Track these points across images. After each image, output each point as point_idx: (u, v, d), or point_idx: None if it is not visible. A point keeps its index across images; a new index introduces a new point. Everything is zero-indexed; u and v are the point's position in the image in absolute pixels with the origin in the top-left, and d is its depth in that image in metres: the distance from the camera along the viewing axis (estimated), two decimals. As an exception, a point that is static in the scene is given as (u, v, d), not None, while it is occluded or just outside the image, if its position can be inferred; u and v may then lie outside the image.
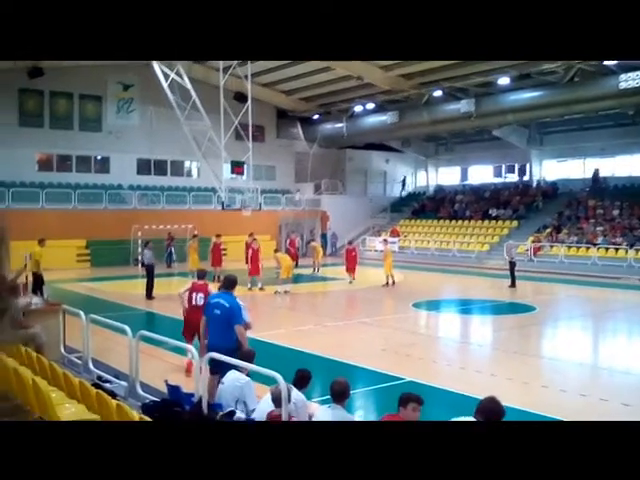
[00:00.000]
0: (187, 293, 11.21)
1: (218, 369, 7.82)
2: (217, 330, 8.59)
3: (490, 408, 4.96)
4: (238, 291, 9.20)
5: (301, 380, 6.80)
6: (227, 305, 8.56)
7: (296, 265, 30.77)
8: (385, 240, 29.95)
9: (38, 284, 18.65)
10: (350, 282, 25.43)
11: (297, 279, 26.78)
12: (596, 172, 36.61)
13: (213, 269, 24.99)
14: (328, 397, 6.50)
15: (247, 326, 8.88)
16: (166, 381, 8.32)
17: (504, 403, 9.33)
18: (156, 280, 21.55)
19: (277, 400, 6.09)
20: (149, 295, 20.93)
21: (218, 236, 26.52)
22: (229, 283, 8.90)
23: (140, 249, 28.47)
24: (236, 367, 7.39)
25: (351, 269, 25.91)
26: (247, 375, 7.44)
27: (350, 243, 28.67)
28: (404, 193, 47.69)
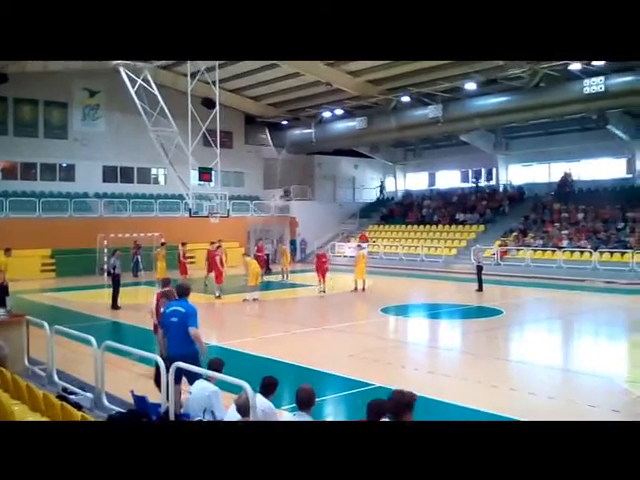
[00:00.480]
0: (155, 305, 10.95)
1: (181, 378, 7.76)
2: (176, 338, 8.58)
3: (398, 400, 5.05)
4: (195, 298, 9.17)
5: (267, 387, 6.73)
6: (183, 310, 8.65)
7: (268, 272, 30.75)
8: (359, 245, 29.99)
9: (2, 295, 18.29)
10: (321, 291, 24.39)
11: (266, 286, 26.67)
12: (566, 175, 37.07)
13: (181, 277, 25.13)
14: (294, 405, 6.48)
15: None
16: (132, 392, 8.21)
17: (473, 406, 9.41)
18: (123, 289, 21.30)
19: (242, 409, 6.02)
20: (114, 305, 20.64)
21: (184, 244, 26.54)
22: (182, 291, 9.02)
23: (106, 258, 28.07)
24: (201, 376, 7.35)
25: (321, 275, 24.78)
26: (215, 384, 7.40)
27: (320, 249, 28.07)
28: (382, 197, 47.72)
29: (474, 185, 42.33)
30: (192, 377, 7.65)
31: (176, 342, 8.52)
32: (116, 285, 20.86)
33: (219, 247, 25.08)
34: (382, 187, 48.36)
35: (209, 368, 7.35)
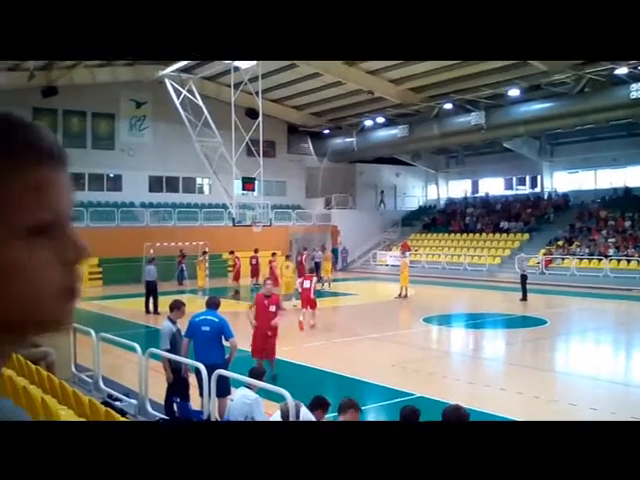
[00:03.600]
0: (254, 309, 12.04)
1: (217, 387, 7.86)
2: (207, 347, 8.75)
3: (453, 416, 5.05)
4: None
5: (317, 405, 6.77)
6: (217, 320, 8.93)
7: (319, 280, 30.97)
8: (403, 252, 29.91)
9: None
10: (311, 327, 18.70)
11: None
12: (626, 188, 36.26)
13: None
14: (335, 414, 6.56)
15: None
16: (175, 399, 8.39)
17: (513, 417, 9.34)
18: (168, 297, 21.64)
19: (286, 417, 6.13)
20: (155, 310, 21.08)
21: (232, 252, 27.05)
22: (214, 303, 9.39)
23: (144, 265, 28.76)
24: (229, 387, 7.49)
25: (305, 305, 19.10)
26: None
27: (312, 272, 22.71)
28: (384, 211, 46.28)
29: (520, 192, 41.76)
30: (221, 388, 7.76)
31: (207, 351, 8.66)
32: (153, 292, 21.27)
33: (274, 254, 26.13)
34: (382, 196, 46.60)
35: (250, 376, 7.47)
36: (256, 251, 28.15)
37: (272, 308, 11.69)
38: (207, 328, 8.80)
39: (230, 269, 27.57)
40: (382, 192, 47.26)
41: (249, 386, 7.44)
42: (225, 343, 8.94)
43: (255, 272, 27.43)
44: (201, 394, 7.89)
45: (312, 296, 18.92)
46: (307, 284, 19.07)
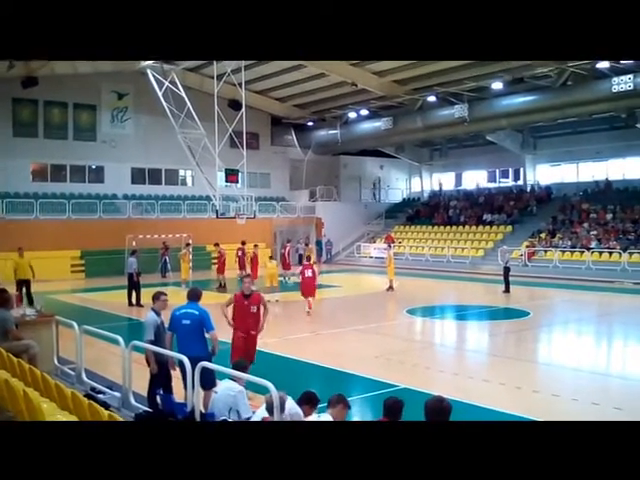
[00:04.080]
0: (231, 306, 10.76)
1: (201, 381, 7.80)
2: (188, 340, 8.63)
3: (435, 408, 5.06)
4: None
5: (306, 402, 6.75)
6: (197, 313, 8.79)
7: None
8: (389, 245, 29.99)
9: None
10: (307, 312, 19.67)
11: (291, 287, 26.81)
12: (607, 181, 36.54)
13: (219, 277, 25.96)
14: (321, 405, 6.56)
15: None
16: (159, 391, 8.34)
17: (496, 408, 9.39)
18: (150, 289, 21.54)
19: (271, 409, 6.12)
20: (137, 302, 21.16)
21: (217, 245, 26.99)
22: (194, 295, 9.17)
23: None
24: (214, 380, 7.46)
25: (307, 294, 19.97)
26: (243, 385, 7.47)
27: (309, 259, 22.10)
28: (377, 200, 47.31)
29: (503, 185, 42.08)
30: (206, 381, 7.69)
31: (188, 344, 8.53)
32: (134, 284, 21.29)
33: (256, 246, 26.06)
34: (374, 188, 47.73)
35: (235, 369, 7.44)
36: (243, 243, 28.16)
37: (253, 309, 10.54)
38: (187, 321, 8.73)
39: (215, 261, 27.42)
40: (374, 184, 47.53)
41: (233, 378, 7.41)
42: (207, 335, 8.87)
43: (242, 264, 27.41)
44: (185, 387, 7.84)
45: (315, 283, 19.98)
46: (309, 273, 19.74)
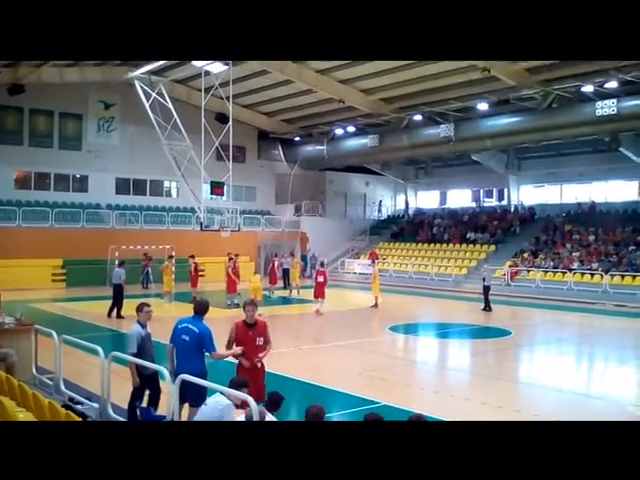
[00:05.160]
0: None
1: (187, 397, 7.69)
2: (185, 357, 8.32)
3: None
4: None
5: (273, 403, 6.77)
6: (197, 331, 8.32)
7: (288, 286, 30.82)
8: (373, 262, 30.05)
9: None
10: (317, 312, 23.30)
11: (275, 302, 26.79)
12: (592, 204, 36.90)
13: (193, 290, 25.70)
14: (300, 421, 6.51)
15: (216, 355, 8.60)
16: (137, 403, 8.25)
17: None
18: (131, 301, 21.37)
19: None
20: (118, 314, 20.86)
21: (192, 257, 26.74)
22: (200, 308, 8.66)
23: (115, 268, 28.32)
24: (204, 398, 7.35)
25: (317, 296, 23.79)
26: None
27: (322, 265, 27.24)
28: (380, 216, 48.00)
29: (487, 204, 42.51)
30: (194, 397, 7.57)
31: (185, 361, 8.27)
32: (120, 296, 20.99)
33: (231, 259, 25.64)
34: (380, 205, 48.42)
35: (231, 386, 7.30)
36: (236, 255, 28.07)
37: (259, 340, 8.87)
38: (187, 337, 8.32)
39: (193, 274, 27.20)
40: (380, 201, 47.93)
41: (223, 392, 7.33)
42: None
43: (236, 275, 27.14)
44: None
45: (324, 289, 23.62)
46: (320, 279, 23.77)
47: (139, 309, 9.07)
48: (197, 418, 7.28)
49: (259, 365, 8.96)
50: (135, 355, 8.62)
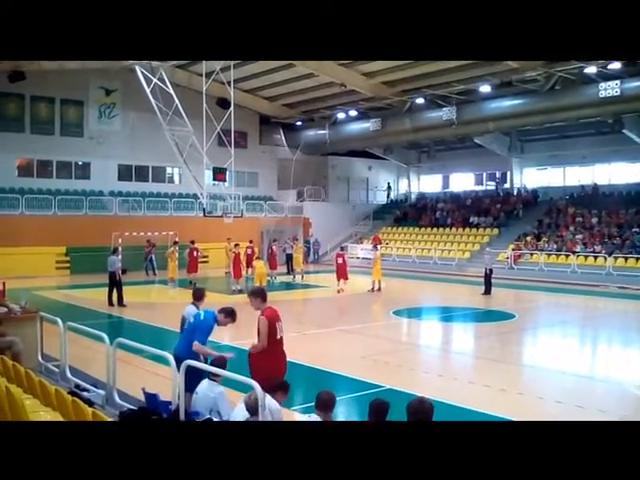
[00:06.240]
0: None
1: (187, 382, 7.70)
2: (184, 342, 8.44)
3: (417, 409, 5.12)
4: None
5: (279, 388, 6.78)
6: (192, 321, 8.54)
7: (291, 271, 30.94)
8: (375, 246, 30.07)
9: None
10: (338, 291, 25.01)
11: (278, 287, 26.84)
12: (595, 186, 36.81)
13: (188, 275, 25.95)
14: (306, 406, 6.54)
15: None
16: (143, 389, 8.29)
17: (481, 410, 9.42)
18: (135, 287, 21.48)
19: (251, 408, 6.09)
20: (120, 302, 20.70)
21: (192, 242, 26.88)
22: (196, 295, 9.11)
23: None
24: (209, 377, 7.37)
25: (339, 277, 25.51)
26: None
27: (342, 249, 28.38)
28: (389, 200, 47.97)
29: (494, 188, 42.33)
30: (193, 383, 7.56)
31: (183, 347, 8.35)
32: (116, 283, 20.89)
33: (237, 245, 26.36)
34: (389, 189, 48.33)
35: (212, 365, 7.39)
36: (251, 242, 28.35)
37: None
38: (188, 325, 8.62)
39: (202, 259, 27.25)
40: (389, 185, 47.80)
41: (213, 378, 7.36)
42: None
43: (250, 262, 27.35)
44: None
45: (346, 268, 25.45)
46: (340, 260, 25.57)
47: (200, 296, 9.21)
48: (194, 405, 7.31)
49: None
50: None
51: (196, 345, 8.13)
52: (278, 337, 8.17)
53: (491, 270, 24.73)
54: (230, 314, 8.45)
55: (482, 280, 24.96)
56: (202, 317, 8.46)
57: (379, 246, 33.89)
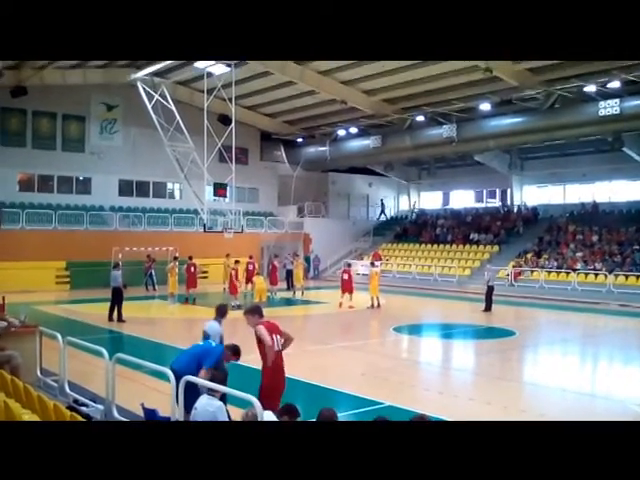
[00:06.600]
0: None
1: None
2: (184, 359, 8.48)
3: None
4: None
5: (285, 413, 6.68)
6: (201, 346, 8.72)
7: (291, 287, 30.89)
8: (372, 263, 30.03)
9: None
10: (340, 305, 25.08)
11: (278, 303, 26.79)
12: (594, 203, 36.84)
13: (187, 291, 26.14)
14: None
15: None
16: (142, 404, 8.24)
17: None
18: (135, 303, 21.42)
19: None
20: (119, 318, 20.56)
21: (190, 258, 26.90)
22: (219, 311, 9.32)
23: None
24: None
25: (344, 291, 25.50)
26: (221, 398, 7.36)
27: (348, 265, 28.38)
28: (383, 217, 47.87)
29: (500, 205, 42.24)
30: (190, 401, 7.50)
31: (186, 365, 8.26)
32: (118, 298, 20.78)
33: (237, 262, 26.41)
34: (383, 207, 48.24)
35: (212, 380, 7.34)
36: (250, 257, 28.30)
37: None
38: (198, 346, 8.77)
39: (201, 275, 27.21)
40: (382, 202, 47.78)
41: (211, 393, 7.30)
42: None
43: (250, 277, 27.35)
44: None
45: (352, 285, 25.51)
46: (346, 276, 25.68)
47: (225, 311, 9.39)
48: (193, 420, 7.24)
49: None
50: None
51: (204, 372, 8.00)
52: (276, 349, 8.27)
53: (492, 287, 24.66)
54: (236, 353, 8.51)
55: (482, 297, 24.90)
56: (214, 346, 8.61)
57: (378, 262, 33.86)
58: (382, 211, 48.04)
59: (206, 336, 9.06)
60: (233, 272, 25.40)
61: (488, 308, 24.13)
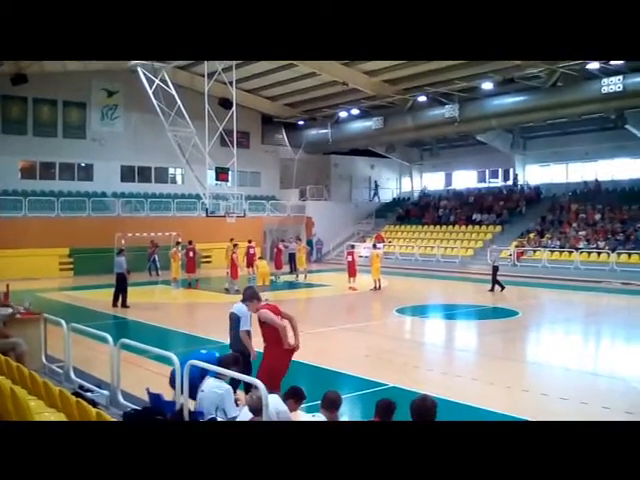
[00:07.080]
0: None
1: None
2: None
3: (420, 406, 5.13)
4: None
5: (291, 396, 6.73)
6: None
7: (295, 271, 30.95)
8: (374, 245, 30.05)
9: None
10: (350, 288, 25.25)
11: (283, 286, 26.88)
12: (597, 182, 36.72)
13: (187, 276, 26.10)
14: (310, 405, 6.54)
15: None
16: (147, 389, 8.30)
17: (485, 407, 9.41)
18: (138, 288, 21.49)
19: (254, 409, 6.06)
20: (123, 304, 20.65)
21: (190, 242, 26.97)
22: (245, 295, 9.30)
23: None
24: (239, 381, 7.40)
25: (349, 275, 25.80)
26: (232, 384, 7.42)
27: (352, 247, 28.57)
28: (376, 200, 47.58)
29: (512, 184, 41.92)
30: (192, 389, 7.49)
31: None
32: (122, 284, 20.83)
33: (236, 245, 26.27)
34: (376, 189, 47.95)
35: (220, 364, 7.39)
36: (250, 241, 28.32)
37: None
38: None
39: (204, 259, 27.28)
40: (376, 183, 47.62)
41: (219, 376, 7.34)
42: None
43: (250, 262, 27.39)
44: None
45: (355, 267, 25.79)
46: (349, 258, 26.14)
47: (251, 295, 9.26)
48: (199, 404, 7.27)
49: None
50: (248, 332, 8.98)
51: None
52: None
53: (497, 267, 24.66)
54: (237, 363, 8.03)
55: (487, 277, 24.91)
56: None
57: (379, 244, 33.89)
58: (375, 193, 47.78)
59: (235, 318, 9.09)
60: (234, 256, 25.44)
61: (495, 288, 24.14)
